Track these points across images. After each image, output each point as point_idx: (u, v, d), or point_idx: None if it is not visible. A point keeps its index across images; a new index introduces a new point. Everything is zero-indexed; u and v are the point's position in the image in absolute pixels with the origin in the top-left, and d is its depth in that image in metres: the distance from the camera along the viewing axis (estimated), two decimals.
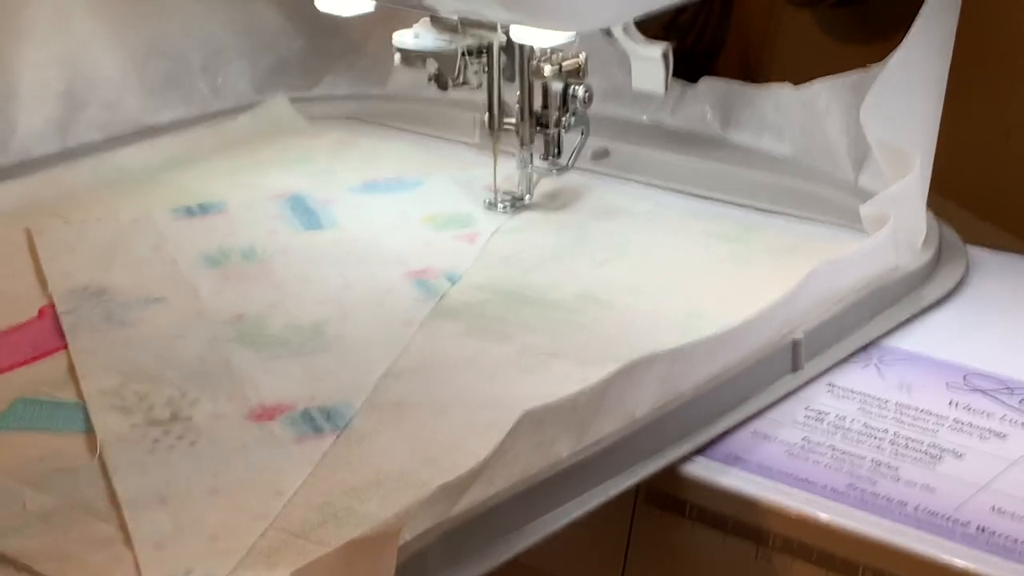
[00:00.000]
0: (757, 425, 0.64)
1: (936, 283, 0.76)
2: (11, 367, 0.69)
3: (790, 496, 0.60)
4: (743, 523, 0.60)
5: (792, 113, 0.87)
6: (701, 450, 0.63)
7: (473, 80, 0.82)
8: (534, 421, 0.56)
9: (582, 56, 0.82)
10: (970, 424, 0.65)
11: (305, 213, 0.86)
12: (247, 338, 0.71)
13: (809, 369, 0.69)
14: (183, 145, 0.94)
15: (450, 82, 0.81)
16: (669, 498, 0.61)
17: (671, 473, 0.61)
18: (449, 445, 0.62)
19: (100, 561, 0.55)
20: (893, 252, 0.74)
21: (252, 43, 1.00)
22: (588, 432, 0.59)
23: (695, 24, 1.04)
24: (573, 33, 0.79)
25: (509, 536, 0.57)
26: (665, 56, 0.82)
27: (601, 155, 0.91)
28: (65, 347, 0.71)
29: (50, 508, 0.58)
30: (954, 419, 0.65)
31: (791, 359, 0.68)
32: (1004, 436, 0.64)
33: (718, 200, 0.86)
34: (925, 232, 0.77)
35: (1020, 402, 0.66)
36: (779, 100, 0.88)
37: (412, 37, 0.81)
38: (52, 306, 0.75)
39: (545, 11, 0.72)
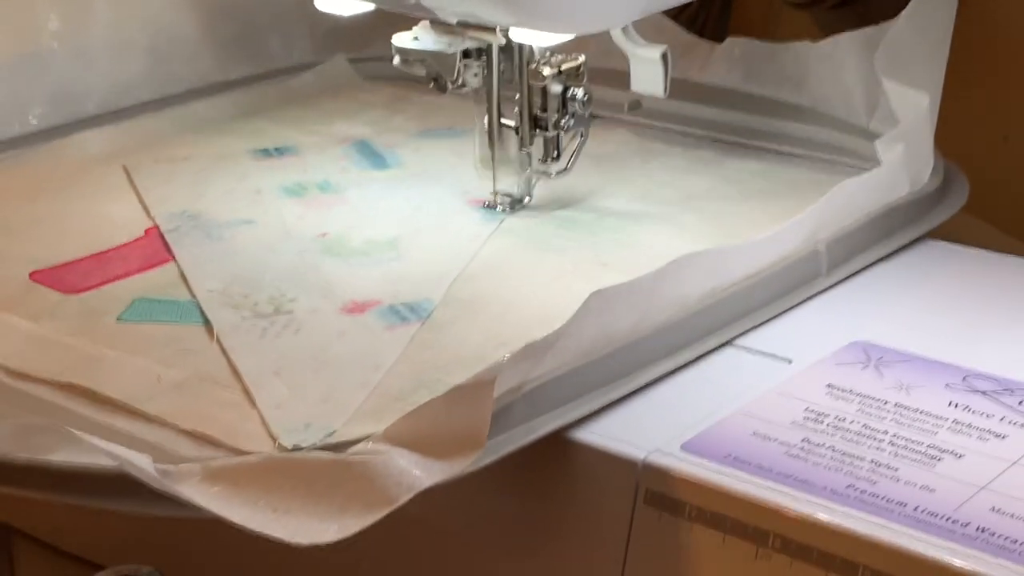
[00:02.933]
0: (756, 426, 0.64)
1: (941, 209, 0.85)
2: (126, 274, 0.78)
3: (790, 497, 0.59)
4: (743, 524, 0.60)
5: (810, 66, 0.96)
6: (734, 340, 0.72)
7: (472, 82, 0.83)
8: (601, 300, 0.65)
9: (581, 58, 0.83)
10: (969, 425, 0.65)
11: (371, 155, 0.95)
12: (332, 250, 0.81)
13: (832, 276, 0.78)
14: (254, 98, 1.04)
15: (449, 84, 0.82)
16: (668, 499, 0.61)
17: (671, 474, 0.62)
18: (519, 332, 0.70)
19: (230, 419, 0.64)
20: (905, 180, 0.83)
21: (311, 8, 1.09)
22: (646, 315, 0.68)
23: (694, 25, 1.09)
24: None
25: (578, 401, 0.65)
26: (664, 57, 0.82)
27: (635, 106, 1.00)
28: (172, 259, 0.80)
29: (181, 380, 0.67)
30: (953, 420, 0.65)
31: (815, 266, 0.77)
32: (1004, 437, 0.64)
33: (744, 145, 0.95)
34: (932, 164, 0.86)
35: (1020, 403, 0.66)
36: (798, 55, 0.97)
37: (411, 39, 0.83)
38: (156, 227, 0.84)
39: (545, 14, 0.75)
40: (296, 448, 0.61)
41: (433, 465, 0.57)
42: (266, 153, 0.95)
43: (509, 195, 0.85)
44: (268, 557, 0.67)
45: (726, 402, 0.66)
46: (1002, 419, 0.65)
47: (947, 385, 0.68)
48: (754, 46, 1.00)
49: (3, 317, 0.73)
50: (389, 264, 0.79)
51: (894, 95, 0.86)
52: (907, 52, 0.86)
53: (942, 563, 0.56)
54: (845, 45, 0.94)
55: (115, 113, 0.99)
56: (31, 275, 0.78)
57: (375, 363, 0.69)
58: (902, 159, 0.82)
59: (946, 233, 0.84)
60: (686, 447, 0.63)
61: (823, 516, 0.58)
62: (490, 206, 0.86)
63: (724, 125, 0.97)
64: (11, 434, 0.59)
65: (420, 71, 0.82)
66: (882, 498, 0.59)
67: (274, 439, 0.63)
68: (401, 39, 0.83)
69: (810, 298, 0.76)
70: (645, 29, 0.85)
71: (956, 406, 0.66)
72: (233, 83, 1.05)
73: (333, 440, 0.62)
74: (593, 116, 0.97)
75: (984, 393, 0.67)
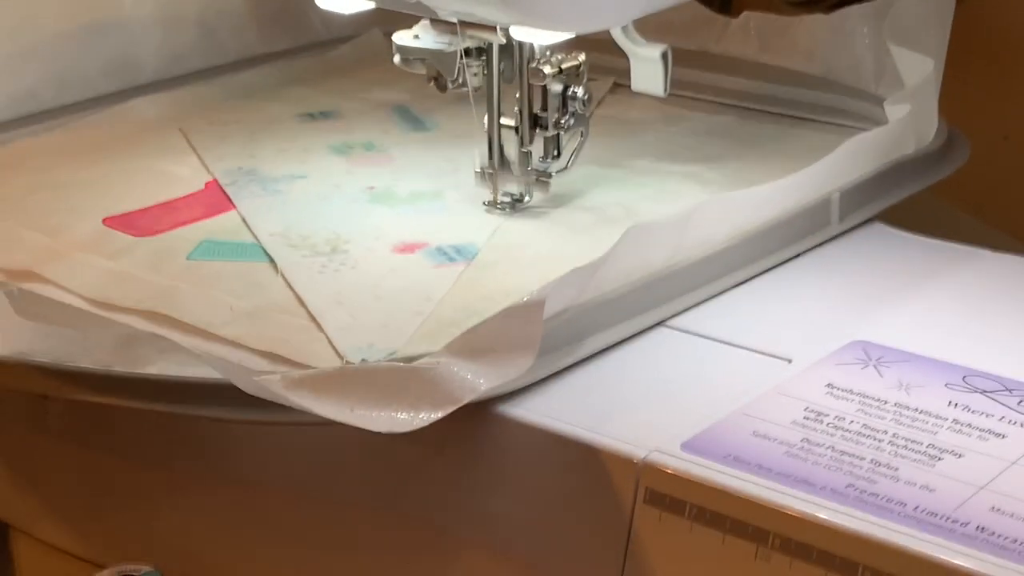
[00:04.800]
0: (756, 425, 0.64)
1: (944, 165, 0.91)
2: (192, 220, 0.85)
3: (789, 496, 0.59)
4: (742, 523, 0.60)
5: (821, 37, 1.03)
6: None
7: (472, 81, 0.82)
8: (636, 234, 0.71)
9: (581, 57, 0.83)
10: (969, 424, 0.65)
11: (410, 119, 1.01)
12: (380, 200, 0.87)
13: (843, 223, 0.84)
14: (296, 68, 1.10)
15: (449, 83, 0.82)
16: (668, 499, 0.61)
17: (671, 474, 0.62)
18: (559, 271, 0.76)
19: (300, 341, 0.71)
20: (911, 137, 0.89)
21: None
22: (677, 250, 0.74)
23: None
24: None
25: (616, 326, 0.72)
26: (664, 57, 0.81)
27: None
28: (233, 207, 0.86)
29: (252, 309, 0.74)
30: (953, 419, 0.65)
31: (828, 214, 0.83)
32: (1003, 436, 0.64)
33: (760, 111, 1.02)
34: (936, 124, 0.92)
35: (1019, 403, 0.66)
36: (810, 27, 1.03)
37: (411, 38, 0.82)
38: (215, 180, 0.90)
39: (545, 13, 0.76)
40: (364, 362, 0.67)
41: (491, 373, 0.63)
42: (311, 117, 1.01)
43: (509, 194, 0.86)
44: (267, 557, 0.74)
45: (726, 402, 0.66)
46: (1002, 419, 0.65)
47: (947, 385, 0.68)
48: (768, 20, 1.06)
49: (83, 256, 0.79)
50: (434, 213, 0.85)
51: (901, 60, 0.92)
52: (913, 20, 0.92)
53: (942, 563, 0.56)
54: (854, 17, 1.00)
55: (168, 81, 1.05)
56: (104, 221, 0.84)
57: (427, 295, 0.75)
58: (909, 118, 0.89)
59: (946, 233, 0.85)
60: (686, 447, 0.63)
61: (823, 516, 0.58)
62: (491, 205, 0.86)
63: (741, 93, 1.03)
64: (113, 346, 0.65)
65: (420, 69, 0.83)
66: (882, 498, 0.59)
67: (341, 357, 0.69)
68: (401, 37, 0.83)
69: (821, 244, 0.82)
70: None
71: (956, 406, 0.66)
72: (276, 54, 1.11)
73: (395, 358, 0.68)
74: (617, 84, 1.04)
75: (984, 393, 0.67)
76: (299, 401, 0.61)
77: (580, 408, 0.66)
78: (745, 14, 1.07)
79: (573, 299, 0.69)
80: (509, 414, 0.66)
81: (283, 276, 0.77)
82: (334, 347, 0.70)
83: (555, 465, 0.65)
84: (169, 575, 0.70)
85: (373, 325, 0.72)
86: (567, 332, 0.70)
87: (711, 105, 1.03)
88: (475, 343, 0.64)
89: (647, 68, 0.82)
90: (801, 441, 0.63)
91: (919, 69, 0.90)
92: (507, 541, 0.66)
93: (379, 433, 0.61)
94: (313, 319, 0.73)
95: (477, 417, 0.66)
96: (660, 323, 0.73)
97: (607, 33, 0.85)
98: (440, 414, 0.61)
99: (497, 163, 0.86)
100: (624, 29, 0.81)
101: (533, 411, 0.66)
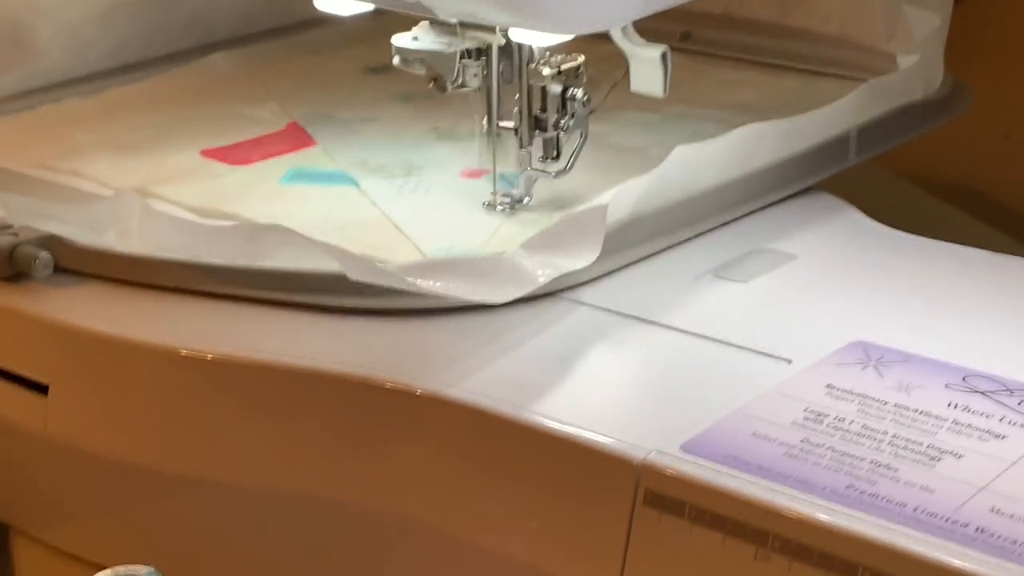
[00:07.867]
0: (756, 426, 0.64)
1: (948, 111, 1.02)
2: (279, 153, 0.95)
3: (789, 497, 0.59)
4: (742, 524, 0.60)
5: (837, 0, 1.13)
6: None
7: (472, 82, 0.83)
8: (685, 155, 0.82)
9: (581, 58, 0.83)
10: (969, 425, 0.64)
11: None
12: (445, 138, 0.97)
13: (859, 157, 0.94)
14: (357, 28, 1.19)
15: (448, 84, 0.82)
16: (668, 499, 0.61)
17: (671, 474, 0.62)
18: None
19: (388, 245, 0.81)
20: (920, 84, 1.00)
21: None
22: (722, 172, 0.85)
23: None
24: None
25: (668, 234, 0.83)
26: (664, 57, 0.81)
27: (685, 36, 1.16)
28: (315, 143, 0.96)
29: (343, 223, 0.84)
30: (953, 420, 0.65)
31: (847, 148, 0.94)
32: (1003, 437, 0.64)
33: (782, 66, 1.12)
34: (943, 74, 1.02)
35: (1019, 403, 0.66)
36: None
37: (411, 39, 0.83)
38: (295, 122, 1.00)
39: (544, 14, 0.76)
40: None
41: (562, 263, 0.74)
42: (375, 71, 1.11)
43: (509, 195, 0.86)
44: (266, 557, 0.76)
45: (726, 402, 0.66)
46: (1002, 419, 0.65)
47: (947, 385, 0.67)
48: None
49: (187, 180, 0.90)
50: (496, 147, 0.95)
51: (911, 16, 1.02)
52: None
53: (942, 563, 0.56)
54: None
55: (242, 39, 1.15)
56: (201, 152, 0.94)
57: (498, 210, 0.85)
58: (918, 67, 0.99)
59: (945, 233, 0.86)
60: (686, 447, 0.63)
61: (823, 516, 0.59)
62: (490, 206, 0.86)
63: (764, 50, 1.13)
64: (243, 239, 0.75)
65: (420, 70, 0.83)
66: (882, 498, 0.59)
67: (425, 257, 0.79)
68: (401, 39, 0.84)
69: (825, 185, 0.92)
70: None
71: (956, 406, 0.66)
72: (336, 16, 1.21)
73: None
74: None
75: (984, 393, 0.67)
76: (401, 279, 0.71)
77: (579, 408, 0.67)
78: None
79: (630, 209, 0.79)
80: (508, 414, 0.67)
81: (367, 195, 0.87)
82: (419, 250, 0.80)
83: (554, 465, 0.65)
84: (169, 575, 0.68)
85: (451, 233, 0.82)
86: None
87: (736, 62, 1.12)
88: (548, 240, 0.75)
89: (646, 68, 0.82)
90: (801, 442, 0.63)
91: (927, 24, 1.01)
92: (507, 541, 0.67)
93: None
94: (398, 229, 0.83)
95: (475, 416, 0.67)
96: (662, 325, 0.75)
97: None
98: (524, 291, 0.72)
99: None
100: (623, 29, 0.81)
101: (532, 411, 0.67)
